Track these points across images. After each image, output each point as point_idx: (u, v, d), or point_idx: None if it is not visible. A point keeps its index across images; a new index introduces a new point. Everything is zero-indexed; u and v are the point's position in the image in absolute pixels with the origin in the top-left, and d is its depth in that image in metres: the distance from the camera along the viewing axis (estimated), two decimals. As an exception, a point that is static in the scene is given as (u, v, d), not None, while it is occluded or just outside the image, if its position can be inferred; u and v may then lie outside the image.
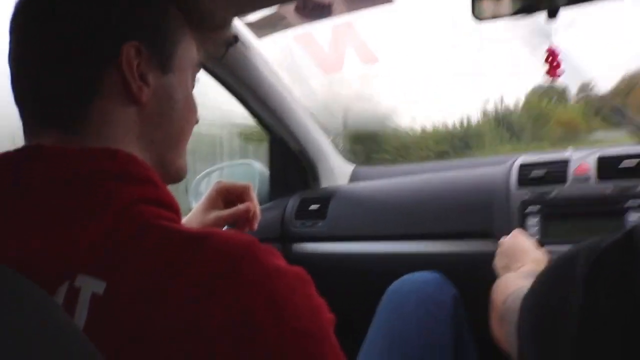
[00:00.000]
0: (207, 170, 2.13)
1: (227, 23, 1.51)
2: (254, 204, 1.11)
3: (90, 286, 0.58)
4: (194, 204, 2.00)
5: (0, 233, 0.63)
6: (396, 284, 1.43)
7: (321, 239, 1.90)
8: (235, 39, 1.61)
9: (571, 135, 2.61)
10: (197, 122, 0.87)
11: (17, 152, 0.69)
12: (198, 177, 2.10)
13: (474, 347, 1.37)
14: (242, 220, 1.10)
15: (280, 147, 2.05)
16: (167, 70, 0.77)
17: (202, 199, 1.14)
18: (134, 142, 0.74)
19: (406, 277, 1.44)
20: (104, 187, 0.65)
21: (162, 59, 0.77)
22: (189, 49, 0.82)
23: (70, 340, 0.51)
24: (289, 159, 2.07)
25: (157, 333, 0.56)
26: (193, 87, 0.85)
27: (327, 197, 1.95)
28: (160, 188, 0.71)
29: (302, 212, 1.97)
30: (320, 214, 1.91)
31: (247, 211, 1.09)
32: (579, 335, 0.58)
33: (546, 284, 0.69)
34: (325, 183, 2.10)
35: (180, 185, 2.10)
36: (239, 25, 1.64)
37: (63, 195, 0.64)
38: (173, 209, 0.70)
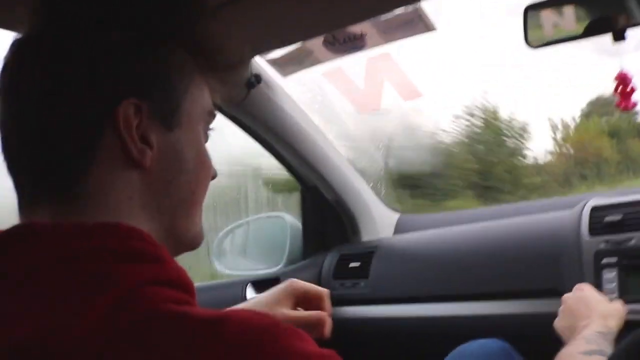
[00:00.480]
0: (230, 226, 2.13)
1: (246, 61, 1.50)
2: (329, 314, 1.10)
3: None
4: (217, 265, 2.01)
5: None
6: (454, 355, 1.39)
7: (364, 302, 1.87)
8: (257, 79, 1.60)
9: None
10: (214, 177, 0.83)
11: (7, 232, 0.67)
12: (220, 234, 2.10)
13: None
14: (311, 327, 1.07)
15: (314, 197, 2.03)
16: (173, 125, 0.74)
17: (270, 292, 1.12)
18: (138, 211, 0.72)
19: (465, 346, 1.40)
20: (103, 267, 0.63)
21: (166, 113, 0.73)
22: (198, 97, 0.78)
23: None
24: (325, 210, 2.05)
25: None
26: (207, 139, 0.81)
27: (369, 253, 1.92)
28: (170, 266, 0.68)
29: (341, 270, 1.94)
30: (362, 272, 1.88)
31: (320, 321, 1.07)
32: None
33: None
34: (367, 236, 2.07)
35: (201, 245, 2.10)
36: (261, 63, 1.62)
37: (56, 279, 0.62)
38: (187, 290, 0.67)
